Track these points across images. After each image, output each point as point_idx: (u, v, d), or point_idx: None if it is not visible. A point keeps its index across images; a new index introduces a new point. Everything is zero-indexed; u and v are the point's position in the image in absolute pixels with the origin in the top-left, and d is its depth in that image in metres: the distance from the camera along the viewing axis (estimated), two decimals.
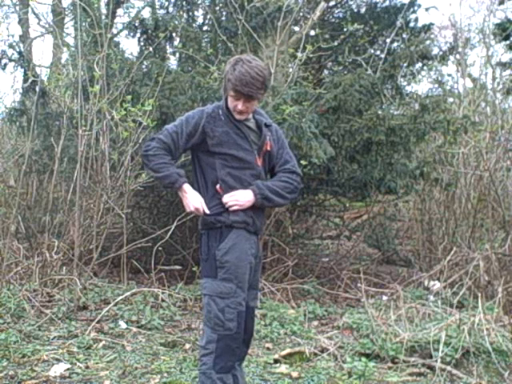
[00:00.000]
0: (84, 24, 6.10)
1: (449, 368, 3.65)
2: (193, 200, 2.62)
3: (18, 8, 12.02)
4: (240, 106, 2.60)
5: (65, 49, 11.64)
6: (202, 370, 2.61)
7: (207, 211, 2.62)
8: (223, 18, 7.32)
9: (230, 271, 2.58)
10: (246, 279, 2.62)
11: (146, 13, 8.73)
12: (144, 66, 6.42)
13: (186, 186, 2.64)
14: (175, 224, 5.19)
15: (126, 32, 7.21)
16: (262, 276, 5.60)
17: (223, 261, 2.58)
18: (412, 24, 8.78)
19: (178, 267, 5.67)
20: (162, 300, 4.80)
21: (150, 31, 6.70)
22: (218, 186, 2.63)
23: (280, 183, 2.71)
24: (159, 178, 2.69)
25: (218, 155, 2.63)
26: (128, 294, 4.69)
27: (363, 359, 3.72)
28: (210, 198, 2.65)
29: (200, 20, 7.75)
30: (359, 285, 5.31)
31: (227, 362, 2.58)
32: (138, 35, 6.83)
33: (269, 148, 2.72)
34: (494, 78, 9.45)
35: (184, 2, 7.32)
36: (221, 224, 2.62)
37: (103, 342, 3.89)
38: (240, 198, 2.61)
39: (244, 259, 2.62)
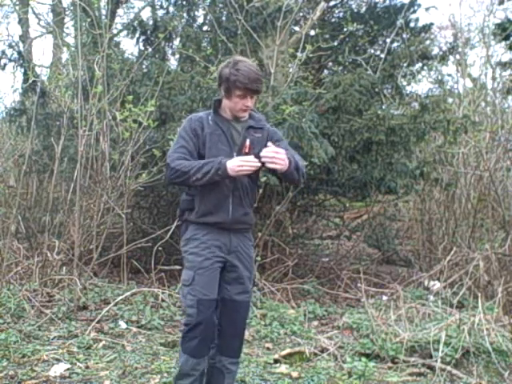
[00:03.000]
0: (84, 24, 6.10)
1: (449, 368, 3.65)
2: (235, 166, 2.61)
3: (17, 8, 12.00)
4: (249, 102, 2.72)
5: (65, 49, 11.64)
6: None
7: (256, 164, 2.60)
8: (223, 18, 7.32)
9: (189, 260, 2.76)
10: (207, 268, 2.71)
11: (146, 13, 8.75)
12: (144, 66, 6.42)
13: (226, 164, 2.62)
14: (175, 224, 5.18)
15: (125, 32, 7.22)
16: (262, 276, 5.60)
17: (183, 251, 2.81)
18: (412, 24, 8.79)
19: (178, 267, 5.66)
20: (162, 300, 4.80)
21: (149, 32, 6.70)
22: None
23: (296, 157, 2.79)
24: (200, 175, 2.63)
25: (202, 158, 2.73)
26: (128, 294, 4.69)
27: (363, 359, 3.72)
28: (185, 192, 2.85)
29: (200, 20, 7.76)
30: (359, 285, 5.31)
31: (190, 345, 2.70)
32: (137, 35, 6.83)
33: (247, 150, 2.72)
34: (493, 78, 9.44)
35: (184, 2, 7.32)
36: (186, 217, 2.83)
37: (103, 342, 3.89)
38: (279, 152, 2.62)
39: (203, 251, 2.73)
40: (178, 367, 2.80)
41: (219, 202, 2.74)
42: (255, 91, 2.72)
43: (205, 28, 7.55)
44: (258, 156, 2.61)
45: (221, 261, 2.77)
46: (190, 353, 2.71)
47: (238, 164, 2.59)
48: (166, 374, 3.38)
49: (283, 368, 3.64)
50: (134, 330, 4.22)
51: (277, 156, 2.59)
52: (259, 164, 2.61)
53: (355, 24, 7.02)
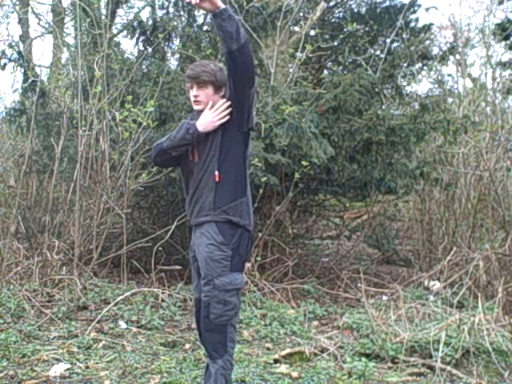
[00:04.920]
0: (84, 24, 6.10)
1: (449, 368, 3.65)
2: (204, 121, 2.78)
3: (17, 8, 12.00)
4: (194, 91, 2.83)
5: (65, 49, 11.65)
6: None
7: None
8: None
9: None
10: (193, 270, 2.95)
11: (146, 13, 8.74)
12: (144, 67, 6.42)
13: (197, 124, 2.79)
14: (175, 224, 5.19)
15: (125, 32, 7.21)
16: (262, 276, 5.60)
17: None
18: (412, 24, 8.79)
19: (177, 267, 5.67)
20: (162, 300, 4.80)
21: (148, 32, 6.70)
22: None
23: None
24: (170, 141, 2.84)
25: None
26: (128, 294, 4.69)
27: (363, 359, 3.72)
28: None
29: (200, 20, 7.75)
30: (359, 285, 5.31)
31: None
32: (137, 35, 6.83)
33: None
34: (493, 78, 9.46)
35: (184, 2, 7.31)
36: None
37: (103, 342, 3.88)
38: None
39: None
40: None
41: (187, 193, 2.92)
42: (193, 78, 2.81)
43: (205, 28, 7.55)
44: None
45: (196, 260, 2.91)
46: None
47: (206, 115, 2.76)
48: (165, 374, 3.38)
49: (283, 368, 3.64)
50: (134, 329, 4.22)
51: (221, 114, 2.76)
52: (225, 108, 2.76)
53: (355, 24, 7.01)
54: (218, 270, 2.74)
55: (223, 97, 2.86)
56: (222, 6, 2.64)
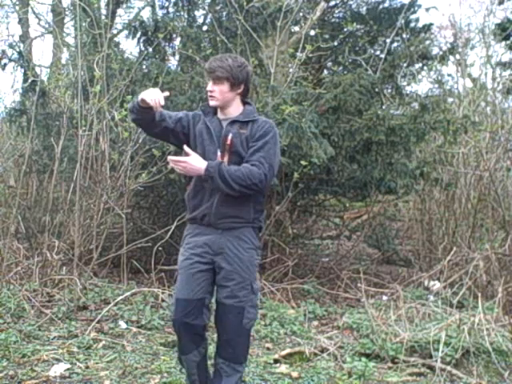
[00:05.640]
0: (84, 24, 6.10)
1: (449, 368, 3.65)
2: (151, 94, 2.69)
3: (17, 8, 12.00)
4: (209, 86, 2.76)
5: (65, 49, 11.65)
6: None
7: (162, 102, 2.68)
8: (223, 18, 7.31)
9: (178, 261, 2.86)
10: (186, 269, 2.78)
11: (146, 13, 8.74)
12: (144, 67, 6.41)
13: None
14: (175, 224, 5.19)
15: (125, 32, 7.21)
16: (262, 276, 5.60)
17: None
18: (412, 24, 8.78)
19: (177, 267, 5.66)
20: (162, 300, 4.80)
21: (149, 32, 6.69)
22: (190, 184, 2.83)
23: (236, 173, 2.63)
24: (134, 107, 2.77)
25: (183, 136, 2.84)
26: (128, 294, 4.69)
27: (363, 359, 3.72)
28: (187, 194, 2.87)
29: (200, 20, 7.75)
30: (359, 285, 5.31)
31: (179, 344, 2.85)
32: (138, 36, 6.82)
33: (228, 142, 2.71)
34: (493, 78, 9.45)
35: (184, 2, 7.31)
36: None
37: (103, 342, 3.89)
38: (191, 163, 2.65)
39: (186, 252, 2.81)
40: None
41: (204, 191, 2.77)
42: (210, 73, 2.73)
43: (205, 28, 7.54)
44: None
45: (206, 262, 2.76)
46: (180, 350, 2.86)
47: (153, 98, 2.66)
48: (165, 374, 3.39)
49: (283, 368, 3.64)
50: (134, 329, 4.22)
51: (175, 163, 2.65)
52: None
53: (355, 24, 7.00)
54: (255, 274, 2.83)
55: (241, 94, 2.79)
56: (202, 169, 2.63)
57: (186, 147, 2.72)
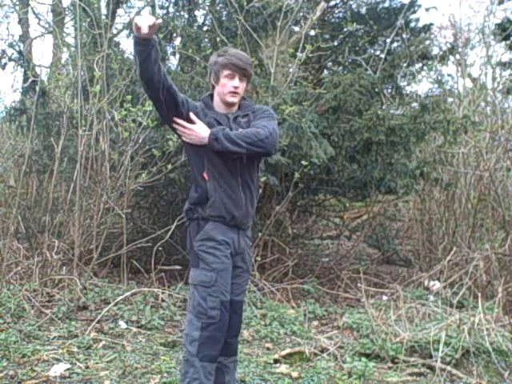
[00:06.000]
0: (84, 24, 6.10)
1: (449, 368, 3.65)
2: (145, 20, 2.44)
3: (17, 8, 11.99)
4: (238, 83, 2.70)
5: (65, 49, 11.64)
6: (185, 357, 2.67)
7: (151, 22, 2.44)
8: (224, 18, 7.31)
9: (207, 260, 2.66)
10: (226, 270, 2.67)
11: (146, 13, 8.71)
12: None
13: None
14: (175, 224, 5.19)
15: (125, 32, 7.20)
16: (262, 276, 5.60)
17: (198, 250, 2.69)
18: (412, 24, 8.78)
19: (177, 267, 5.67)
20: (162, 300, 4.80)
21: None
22: (204, 174, 2.72)
23: (241, 133, 2.65)
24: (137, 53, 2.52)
25: (201, 146, 2.70)
26: (128, 294, 4.69)
27: (363, 359, 3.72)
28: (194, 188, 2.77)
29: (200, 20, 7.74)
30: (359, 285, 5.31)
31: (211, 351, 2.63)
32: None
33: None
34: (493, 78, 9.46)
35: (185, 2, 7.31)
36: (198, 215, 2.72)
37: (103, 342, 3.88)
38: (196, 130, 2.67)
39: (219, 251, 2.68)
40: (191, 379, 2.64)
41: (233, 191, 2.72)
42: (242, 69, 2.69)
43: (205, 28, 7.54)
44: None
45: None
46: (212, 358, 2.64)
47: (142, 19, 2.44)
48: (165, 374, 3.39)
49: (283, 368, 3.64)
50: (134, 329, 4.22)
51: (181, 127, 2.69)
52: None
53: (355, 24, 6.99)
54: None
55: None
56: (206, 137, 2.63)
57: (192, 114, 2.71)
